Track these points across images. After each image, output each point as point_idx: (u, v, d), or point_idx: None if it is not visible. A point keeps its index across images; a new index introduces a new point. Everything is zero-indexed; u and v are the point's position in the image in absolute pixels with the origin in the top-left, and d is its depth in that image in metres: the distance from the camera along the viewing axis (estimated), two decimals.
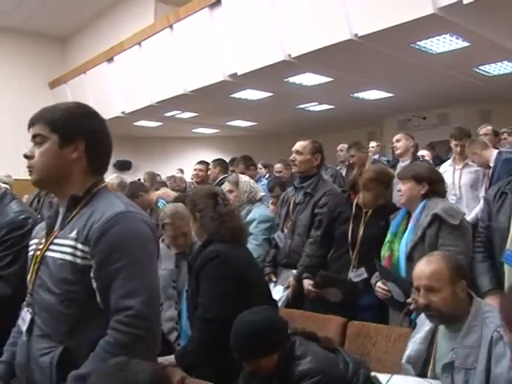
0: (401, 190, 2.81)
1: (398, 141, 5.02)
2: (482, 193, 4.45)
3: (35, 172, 1.53)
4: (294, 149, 3.67)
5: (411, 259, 2.60)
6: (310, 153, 3.60)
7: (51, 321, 1.48)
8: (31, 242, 1.69)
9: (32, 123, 1.55)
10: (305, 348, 2.06)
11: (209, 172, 5.62)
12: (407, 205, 2.82)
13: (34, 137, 1.53)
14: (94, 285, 1.44)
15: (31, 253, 1.63)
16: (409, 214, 2.84)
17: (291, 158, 3.69)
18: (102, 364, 1.34)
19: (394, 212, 3.01)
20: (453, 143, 4.82)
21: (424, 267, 2.02)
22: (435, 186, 2.79)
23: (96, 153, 1.57)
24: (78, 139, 1.52)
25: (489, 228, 2.48)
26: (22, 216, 2.40)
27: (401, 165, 4.82)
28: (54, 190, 1.61)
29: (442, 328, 2.05)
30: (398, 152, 5.03)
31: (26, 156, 1.54)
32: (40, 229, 1.70)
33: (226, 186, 3.82)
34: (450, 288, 1.95)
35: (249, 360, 2.05)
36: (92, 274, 1.44)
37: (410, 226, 2.73)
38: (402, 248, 2.71)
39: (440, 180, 2.88)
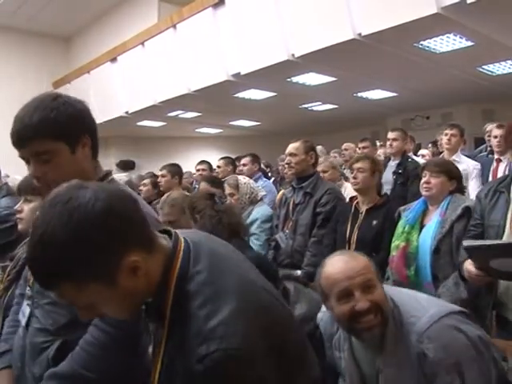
0: (430, 183, 2.87)
1: (395, 140, 4.93)
2: (473, 189, 4.45)
3: (54, 186, 1.46)
4: (287, 152, 3.66)
5: (437, 252, 2.68)
6: (304, 152, 3.60)
7: (52, 314, 1.47)
8: None
9: (23, 142, 1.42)
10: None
11: (219, 169, 5.55)
12: (434, 198, 2.88)
13: (36, 154, 1.42)
14: None
15: None
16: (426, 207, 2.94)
17: (286, 161, 3.68)
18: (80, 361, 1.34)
19: (390, 211, 3.13)
20: (444, 133, 4.78)
21: (350, 262, 1.61)
22: (461, 184, 2.95)
23: (96, 139, 1.53)
24: (82, 135, 1.47)
25: (480, 225, 2.48)
26: (6, 212, 2.41)
27: (391, 164, 4.77)
28: None
29: (358, 348, 1.68)
30: (392, 151, 4.88)
31: (36, 178, 1.45)
32: None
33: (226, 189, 3.81)
34: (379, 284, 1.61)
35: None
36: None
37: (435, 219, 2.79)
38: (426, 241, 2.75)
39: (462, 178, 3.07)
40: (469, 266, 2.09)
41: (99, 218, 0.91)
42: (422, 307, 1.60)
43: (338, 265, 1.60)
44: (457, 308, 1.62)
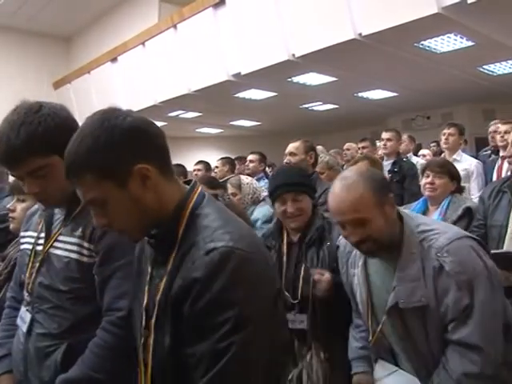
0: (434, 184, 2.91)
1: (389, 140, 4.92)
2: (474, 189, 4.44)
3: (52, 199, 1.47)
4: (287, 151, 3.66)
5: None
6: (304, 152, 3.59)
7: (55, 317, 1.47)
8: (25, 234, 1.65)
9: (14, 164, 1.41)
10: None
11: (217, 170, 5.54)
12: (437, 198, 2.91)
13: (29, 174, 1.42)
14: (96, 280, 1.45)
15: (26, 246, 1.60)
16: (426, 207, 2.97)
17: (286, 160, 3.67)
18: (91, 366, 1.35)
19: None
20: (442, 132, 4.78)
21: (343, 197, 1.58)
22: (460, 184, 3.01)
23: None
24: None
25: (483, 226, 2.48)
26: (4, 212, 2.41)
27: (384, 164, 4.74)
28: (62, 197, 1.50)
29: (373, 262, 1.72)
30: (386, 151, 4.89)
31: (34, 194, 1.44)
32: (30, 218, 1.66)
33: (228, 189, 3.81)
34: (378, 211, 1.57)
35: (298, 189, 2.25)
36: (94, 270, 1.44)
37: (435, 218, 2.79)
38: None
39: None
40: None
41: (125, 129, 1.08)
42: (446, 226, 1.69)
43: (334, 194, 1.62)
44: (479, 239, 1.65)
